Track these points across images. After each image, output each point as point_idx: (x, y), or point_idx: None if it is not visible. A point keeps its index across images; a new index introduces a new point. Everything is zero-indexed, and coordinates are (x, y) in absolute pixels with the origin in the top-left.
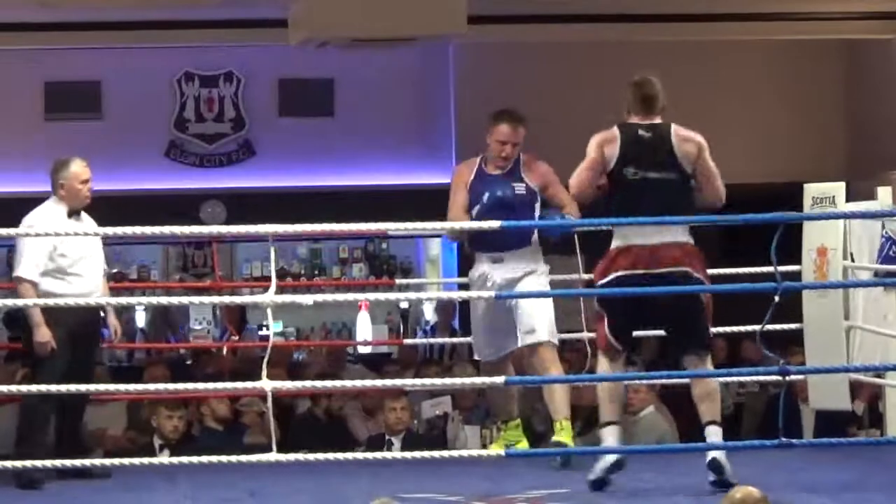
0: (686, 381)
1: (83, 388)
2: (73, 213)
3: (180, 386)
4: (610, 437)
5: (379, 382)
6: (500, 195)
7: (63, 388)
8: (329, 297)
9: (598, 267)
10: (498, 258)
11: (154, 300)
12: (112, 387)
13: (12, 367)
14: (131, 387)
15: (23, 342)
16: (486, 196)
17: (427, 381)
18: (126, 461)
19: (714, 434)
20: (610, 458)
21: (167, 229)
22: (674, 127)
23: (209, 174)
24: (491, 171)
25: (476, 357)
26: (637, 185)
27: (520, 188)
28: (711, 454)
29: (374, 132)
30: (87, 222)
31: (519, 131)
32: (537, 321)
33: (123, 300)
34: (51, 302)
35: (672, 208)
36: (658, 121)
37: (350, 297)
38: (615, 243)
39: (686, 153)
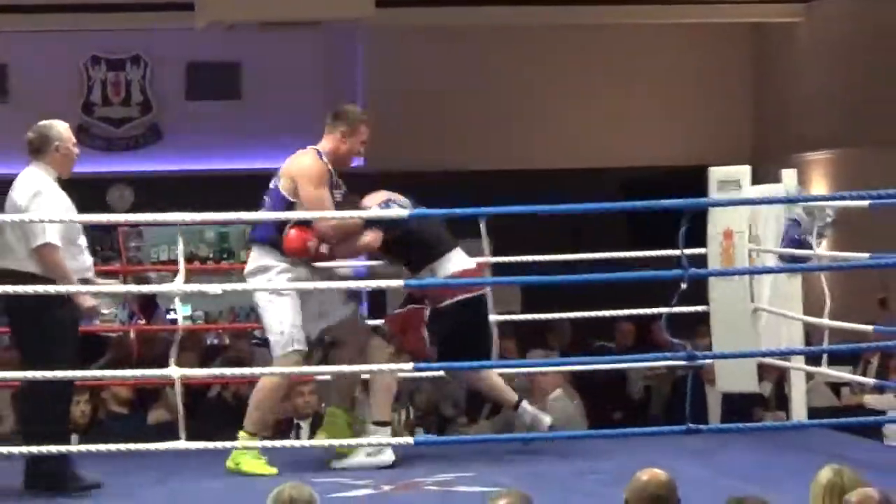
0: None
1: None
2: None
3: (88, 373)
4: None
5: (287, 370)
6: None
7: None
8: (238, 286)
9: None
10: None
11: (67, 289)
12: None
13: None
14: (51, 374)
15: (25, 322)
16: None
17: (334, 368)
18: (35, 450)
19: None
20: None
21: (99, 217)
22: None
23: (117, 158)
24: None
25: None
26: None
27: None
28: None
29: (281, 116)
30: None
31: None
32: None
33: (41, 288)
34: (72, 288)
35: None
36: None
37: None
38: (452, 269)
39: None
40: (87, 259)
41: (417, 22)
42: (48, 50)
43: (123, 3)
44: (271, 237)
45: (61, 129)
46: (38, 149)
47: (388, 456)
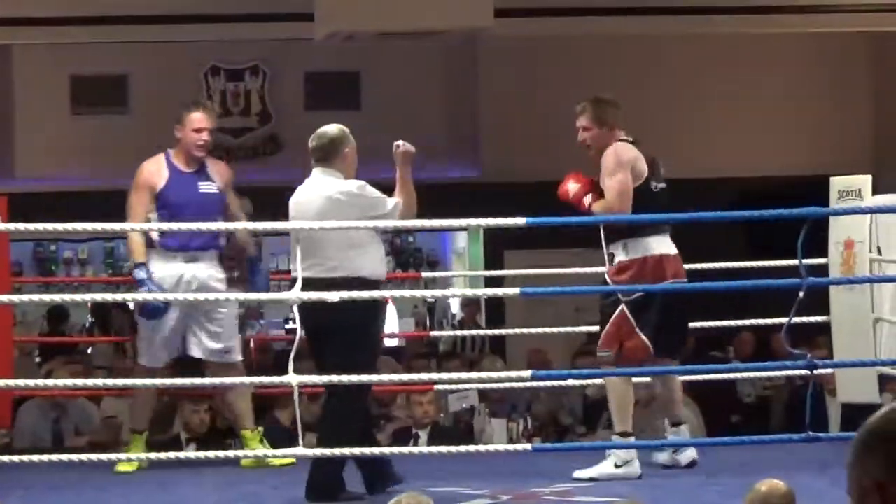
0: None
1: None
2: None
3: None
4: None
5: (406, 377)
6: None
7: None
8: (355, 294)
9: (632, 275)
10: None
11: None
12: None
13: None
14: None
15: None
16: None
17: (454, 374)
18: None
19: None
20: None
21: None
22: None
23: (236, 168)
24: (183, 167)
25: (142, 361)
26: (659, 197)
27: (209, 186)
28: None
29: (400, 126)
30: None
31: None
32: (233, 339)
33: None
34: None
35: None
36: None
37: (376, 294)
38: (650, 251)
39: None
40: None
41: (536, 32)
42: (168, 60)
43: (243, 14)
44: None
45: (346, 132)
46: (327, 155)
47: (635, 468)
